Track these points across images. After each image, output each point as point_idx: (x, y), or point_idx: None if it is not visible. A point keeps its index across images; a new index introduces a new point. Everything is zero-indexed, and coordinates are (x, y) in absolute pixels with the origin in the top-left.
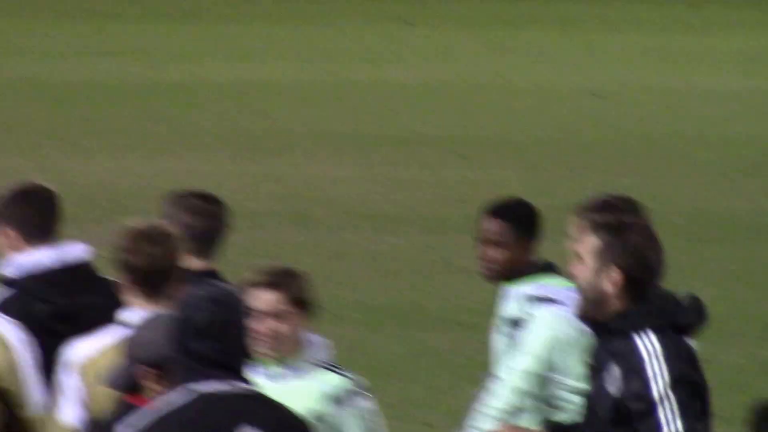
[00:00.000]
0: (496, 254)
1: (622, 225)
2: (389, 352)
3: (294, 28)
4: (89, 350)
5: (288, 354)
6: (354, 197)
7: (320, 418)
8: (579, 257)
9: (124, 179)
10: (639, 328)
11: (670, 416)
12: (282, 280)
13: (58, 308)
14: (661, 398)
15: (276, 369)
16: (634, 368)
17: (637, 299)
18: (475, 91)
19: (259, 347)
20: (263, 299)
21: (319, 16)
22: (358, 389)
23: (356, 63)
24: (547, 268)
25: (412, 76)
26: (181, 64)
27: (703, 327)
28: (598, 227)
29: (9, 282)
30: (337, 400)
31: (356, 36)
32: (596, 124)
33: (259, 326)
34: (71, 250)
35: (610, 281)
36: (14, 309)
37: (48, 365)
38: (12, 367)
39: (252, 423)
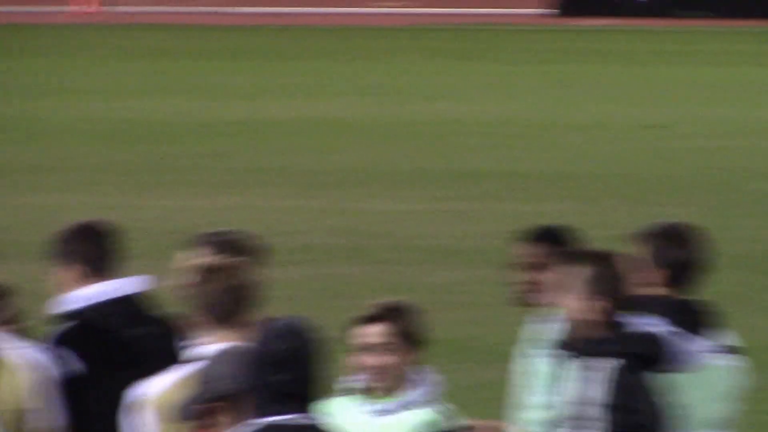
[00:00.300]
0: (532, 276)
1: (609, 256)
2: (446, 384)
3: (352, 64)
4: (161, 386)
5: (393, 388)
6: (411, 231)
7: None
8: (566, 287)
9: (183, 216)
10: (599, 354)
11: None
12: (389, 313)
13: (115, 338)
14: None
15: (378, 403)
16: (581, 389)
17: (613, 328)
18: (533, 124)
19: (365, 380)
20: (369, 332)
21: (377, 52)
22: (452, 427)
23: (414, 98)
24: None
25: (470, 111)
26: (240, 101)
27: (666, 363)
28: (581, 257)
29: (67, 315)
30: None
31: (414, 71)
32: (652, 156)
33: (366, 359)
34: (127, 282)
35: (596, 310)
36: (72, 340)
37: (103, 395)
38: (26, 391)
39: None
